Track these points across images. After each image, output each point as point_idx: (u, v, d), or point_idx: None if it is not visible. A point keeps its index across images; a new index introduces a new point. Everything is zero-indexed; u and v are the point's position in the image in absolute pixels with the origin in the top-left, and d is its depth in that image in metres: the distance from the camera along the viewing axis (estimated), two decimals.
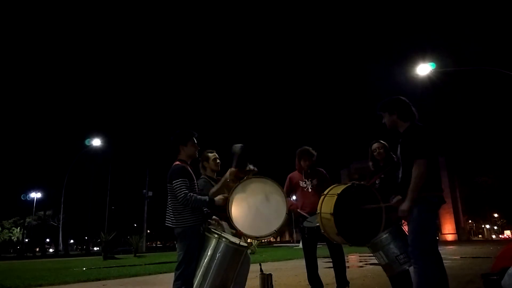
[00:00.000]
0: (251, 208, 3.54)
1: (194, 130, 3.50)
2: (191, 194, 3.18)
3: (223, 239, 3.21)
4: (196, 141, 3.47)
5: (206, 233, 3.29)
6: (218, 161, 3.85)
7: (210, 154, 3.84)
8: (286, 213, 3.44)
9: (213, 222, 3.50)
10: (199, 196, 3.22)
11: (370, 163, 3.99)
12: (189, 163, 3.43)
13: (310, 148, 4.28)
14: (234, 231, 3.53)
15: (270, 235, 3.53)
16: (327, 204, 3.45)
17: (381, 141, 3.97)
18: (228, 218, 3.47)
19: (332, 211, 3.28)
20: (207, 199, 3.26)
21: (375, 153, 3.93)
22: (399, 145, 3.14)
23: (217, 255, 3.17)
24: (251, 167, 3.73)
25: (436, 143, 3.07)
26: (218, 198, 3.36)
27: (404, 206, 2.90)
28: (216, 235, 3.23)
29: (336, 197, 3.33)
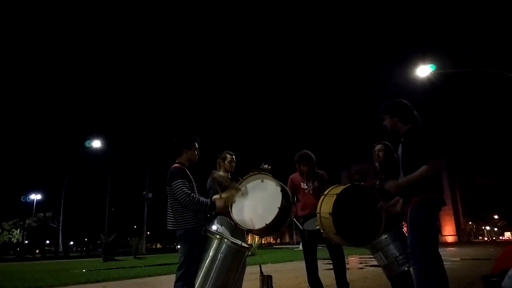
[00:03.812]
0: (248, 203, 3.68)
1: (195, 134, 3.57)
2: (194, 194, 3.20)
3: (225, 240, 3.22)
4: (197, 147, 3.52)
5: (208, 234, 3.30)
6: (233, 164, 4.10)
7: (228, 155, 4.08)
8: (278, 208, 3.44)
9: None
10: (202, 198, 3.26)
11: (376, 164, 4.01)
12: (187, 166, 3.45)
13: (309, 152, 4.26)
14: (232, 223, 3.65)
15: (261, 229, 3.55)
16: (326, 204, 3.46)
17: (384, 143, 3.97)
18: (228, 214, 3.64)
19: (331, 211, 3.29)
20: (209, 202, 3.30)
21: (375, 155, 3.95)
22: (400, 145, 3.15)
23: (219, 256, 3.18)
24: (266, 166, 3.88)
25: (442, 144, 3.10)
26: (218, 204, 3.44)
27: (393, 182, 2.94)
28: (218, 236, 3.25)
29: (335, 197, 3.34)
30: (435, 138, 2.91)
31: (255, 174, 3.78)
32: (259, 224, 3.53)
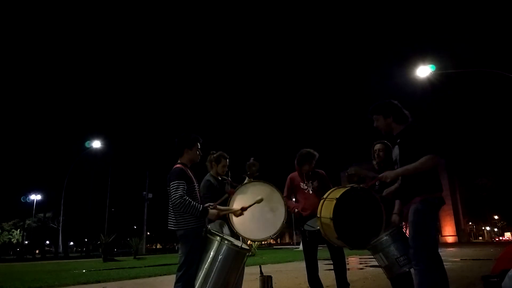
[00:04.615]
0: (250, 212, 3.64)
1: (196, 133, 3.55)
2: (186, 197, 3.17)
3: (225, 242, 3.22)
4: (200, 147, 3.51)
5: (208, 235, 3.29)
6: (226, 168, 4.07)
7: (223, 159, 4.00)
8: (284, 220, 3.55)
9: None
10: (194, 202, 3.20)
11: (374, 163, 4.00)
12: (189, 166, 3.45)
13: (311, 151, 4.23)
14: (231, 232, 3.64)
15: (266, 239, 3.64)
16: (326, 209, 3.44)
17: (384, 142, 3.95)
18: (226, 220, 3.62)
19: (331, 216, 3.27)
20: (201, 208, 3.22)
21: (375, 155, 3.94)
22: (397, 146, 3.14)
23: (219, 258, 3.18)
24: (252, 160, 3.96)
25: (441, 139, 3.14)
26: (212, 213, 3.37)
27: (389, 172, 2.96)
28: (218, 238, 3.24)
29: (335, 201, 3.32)
30: (433, 134, 2.92)
31: (255, 182, 3.80)
32: (262, 235, 3.65)
